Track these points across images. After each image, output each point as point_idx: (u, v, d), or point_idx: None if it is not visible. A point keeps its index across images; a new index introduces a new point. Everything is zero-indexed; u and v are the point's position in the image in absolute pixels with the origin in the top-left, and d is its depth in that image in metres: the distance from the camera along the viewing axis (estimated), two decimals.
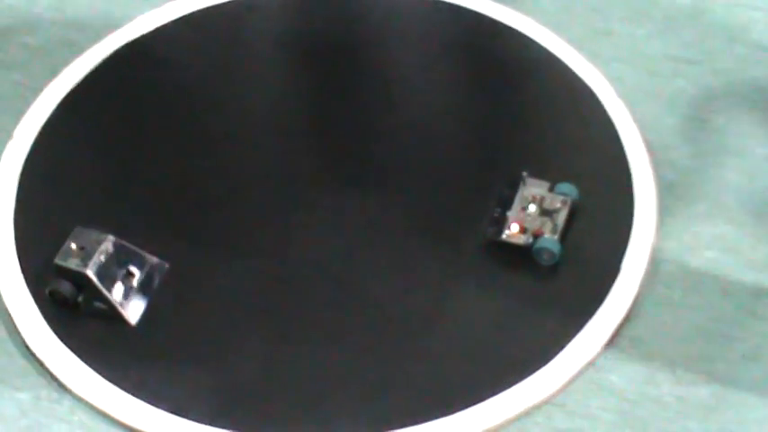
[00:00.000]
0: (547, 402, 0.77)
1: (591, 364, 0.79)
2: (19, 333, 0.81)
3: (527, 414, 0.77)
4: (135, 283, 0.81)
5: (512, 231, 0.83)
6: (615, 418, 0.76)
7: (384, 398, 0.77)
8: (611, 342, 0.80)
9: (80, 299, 0.80)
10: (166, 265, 0.83)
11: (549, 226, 0.83)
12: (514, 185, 0.85)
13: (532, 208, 0.84)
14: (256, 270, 0.84)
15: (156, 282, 0.83)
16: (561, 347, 0.79)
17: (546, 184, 0.85)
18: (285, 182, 0.89)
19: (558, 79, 0.95)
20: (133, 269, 0.82)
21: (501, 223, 0.84)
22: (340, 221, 0.86)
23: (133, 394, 0.77)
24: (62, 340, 0.80)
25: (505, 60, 0.96)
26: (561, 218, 0.83)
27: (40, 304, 0.82)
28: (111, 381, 0.78)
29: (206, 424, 0.76)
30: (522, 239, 0.83)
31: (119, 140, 0.92)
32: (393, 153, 0.90)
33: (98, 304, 0.80)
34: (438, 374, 0.78)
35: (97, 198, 0.88)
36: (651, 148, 0.90)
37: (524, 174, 0.85)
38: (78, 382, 0.78)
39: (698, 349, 0.79)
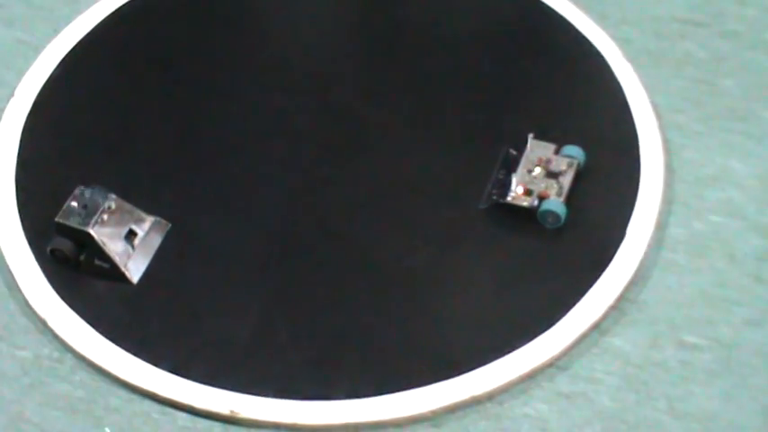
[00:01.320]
0: (551, 366, 0.77)
1: (595, 327, 0.78)
2: (20, 291, 0.81)
3: (531, 377, 0.76)
4: (137, 241, 0.81)
5: (517, 193, 0.82)
6: (619, 381, 0.76)
7: (386, 360, 0.77)
8: (616, 306, 0.79)
9: (81, 257, 0.80)
10: (168, 225, 0.83)
11: (554, 188, 0.82)
12: (520, 148, 0.84)
13: (538, 170, 0.83)
14: (258, 229, 0.83)
15: (158, 241, 0.82)
16: (566, 311, 0.78)
17: (552, 147, 0.85)
18: (287, 140, 0.88)
19: (566, 41, 0.94)
20: (135, 228, 0.81)
21: (506, 185, 0.83)
22: (343, 181, 0.86)
23: (134, 353, 0.77)
24: (63, 299, 0.80)
25: (513, 22, 0.95)
26: (567, 180, 0.83)
27: (41, 263, 0.81)
28: (112, 340, 0.78)
29: (206, 383, 0.75)
30: (527, 201, 0.82)
31: (120, 99, 0.91)
32: (398, 114, 0.90)
33: (99, 263, 0.80)
34: (441, 337, 0.78)
35: (99, 156, 0.88)
36: (658, 111, 0.89)
37: (530, 136, 0.85)
38: (79, 341, 0.78)
39: (702, 314, 0.79)
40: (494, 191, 0.83)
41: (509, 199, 0.83)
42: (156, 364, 0.77)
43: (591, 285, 0.79)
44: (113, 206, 0.80)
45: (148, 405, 0.76)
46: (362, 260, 0.82)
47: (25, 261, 0.82)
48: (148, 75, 0.93)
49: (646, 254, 0.81)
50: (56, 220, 0.79)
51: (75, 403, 0.76)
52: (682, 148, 0.88)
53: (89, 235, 0.79)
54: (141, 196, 0.83)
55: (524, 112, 0.89)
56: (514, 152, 0.84)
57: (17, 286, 0.81)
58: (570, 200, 0.82)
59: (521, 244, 0.82)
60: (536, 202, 0.82)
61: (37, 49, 0.95)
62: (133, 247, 0.81)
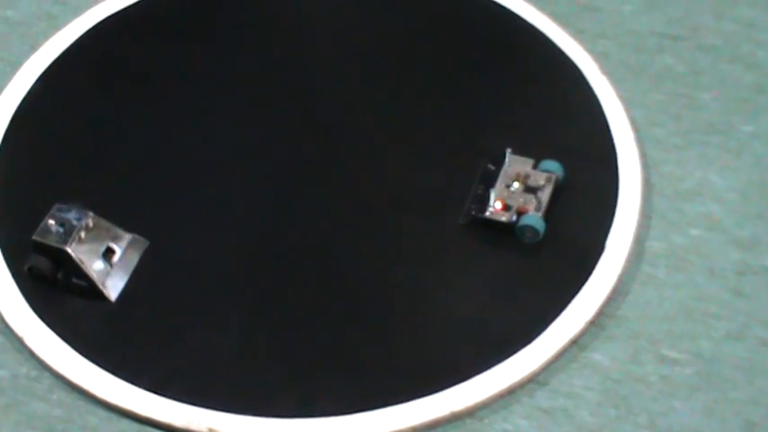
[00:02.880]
0: (530, 381, 0.77)
1: (575, 342, 0.78)
2: None
3: (510, 392, 0.76)
4: (115, 259, 0.81)
5: (495, 208, 0.82)
6: (599, 397, 0.76)
7: (366, 376, 0.77)
8: (595, 321, 0.79)
9: (59, 275, 0.80)
10: (146, 242, 0.83)
11: (533, 203, 0.82)
12: (498, 162, 0.84)
13: (516, 185, 0.83)
14: (237, 246, 0.83)
15: (136, 258, 0.82)
16: (545, 326, 0.78)
17: (530, 162, 0.84)
18: (266, 157, 0.88)
19: (543, 56, 0.94)
20: (113, 245, 0.81)
21: (484, 200, 0.83)
22: (322, 198, 0.86)
23: (112, 372, 0.77)
24: (41, 317, 0.79)
25: (490, 36, 0.95)
26: (545, 195, 0.83)
27: (18, 281, 0.81)
28: (89, 358, 0.77)
29: (185, 401, 0.75)
30: (505, 217, 0.82)
31: (98, 115, 0.91)
32: (377, 130, 0.90)
33: (77, 281, 0.79)
34: (421, 353, 0.78)
35: (77, 173, 0.87)
36: (636, 125, 0.89)
37: (508, 151, 0.85)
38: (57, 360, 0.77)
39: (682, 328, 0.79)
40: (472, 206, 0.83)
41: (487, 214, 0.82)
42: (134, 383, 0.76)
43: (570, 300, 0.79)
44: (91, 224, 0.80)
45: (126, 424, 0.75)
46: (342, 276, 0.81)
47: (2, 279, 0.81)
48: (127, 91, 0.93)
49: (625, 268, 0.81)
50: (33, 238, 0.79)
51: (53, 423, 0.76)
52: (660, 162, 0.88)
53: (66, 253, 0.78)
54: (119, 213, 0.83)
55: (502, 126, 0.89)
56: (493, 167, 0.84)
57: None
58: (549, 215, 0.82)
59: (500, 259, 0.82)
60: (514, 218, 0.82)
61: (14, 66, 0.94)
62: (111, 264, 0.80)
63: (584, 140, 0.88)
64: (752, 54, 0.94)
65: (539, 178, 0.83)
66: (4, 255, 0.82)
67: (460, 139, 0.89)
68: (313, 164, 0.88)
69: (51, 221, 0.79)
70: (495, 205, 0.82)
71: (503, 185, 0.83)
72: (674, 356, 0.78)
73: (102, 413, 0.76)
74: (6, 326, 0.79)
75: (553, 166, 0.84)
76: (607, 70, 0.92)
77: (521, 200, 0.83)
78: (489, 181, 0.84)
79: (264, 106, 0.91)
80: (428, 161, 0.87)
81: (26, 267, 0.80)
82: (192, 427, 0.74)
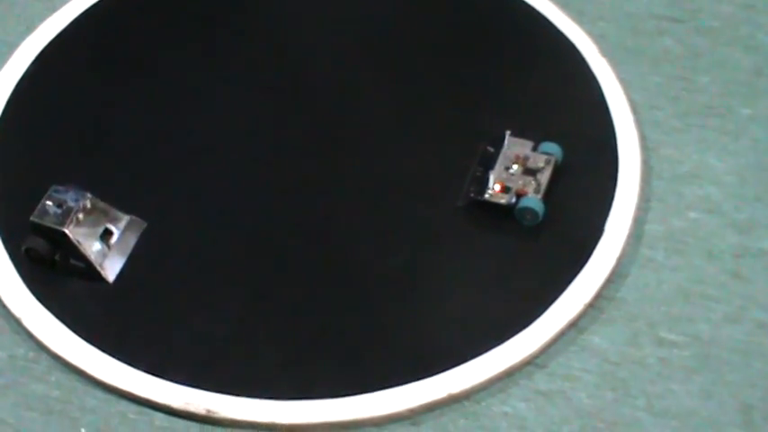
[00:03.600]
0: (528, 364, 0.77)
1: (573, 325, 0.78)
2: None
3: (509, 375, 0.76)
4: (113, 240, 0.80)
5: (494, 190, 0.82)
6: (597, 379, 0.76)
7: (364, 359, 0.77)
8: (594, 304, 0.79)
9: (57, 257, 0.79)
10: (144, 223, 0.82)
11: (532, 186, 0.82)
12: (497, 145, 0.84)
13: (515, 167, 0.83)
14: (235, 228, 0.83)
15: (134, 240, 0.82)
16: (543, 309, 0.78)
17: (529, 144, 0.84)
18: (264, 140, 0.88)
19: (543, 38, 0.94)
20: (111, 227, 0.81)
21: (483, 183, 0.83)
22: (321, 180, 0.85)
23: (110, 353, 0.76)
24: (38, 298, 0.79)
25: (489, 18, 0.95)
26: (545, 177, 0.83)
27: (15, 262, 0.81)
28: (87, 340, 0.77)
29: (183, 383, 0.75)
30: (504, 199, 0.82)
31: (95, 97, 0.91)
32: (375, 113, 0.89)
33: (75, 262, 0.79)
34: (419, 335, 0.78)
35: (74, 155, 0.87)
36: (635, 107, 0.89)
37: (507, 133, 0.84)
38: (55, 341, 0.77)
39: (680, 310, 0.79)
40: (471, 188, 0.83)
41: (486, 196, 0.82)
42: (132, 364, 0.76)
43: (569, 283, 0.79)
44: (89, 205, 0.80)
45: (125, 405, 0.75)
46: (340, 259, 0.81)
47: (0, 261, 0.81)
48: (124, 72, 0.92)
49: (623, 251, 0.81)
50: (31, 219, 0.79)
51: (51, 404, 0.76)
52: (659, 144, 0.87)
53: (64, 234, 0.78)
54: (117, 195, 0.82)
55: (501, 108, 0.89)
56: (492, 149, 0.84)
57: None
58: (548, 197, 0.82)
59: (498, 242, 0.82)
60: (514, 200, 0.82)
61: (11, 47, 0.94)
62: (109, 246, 0.80)
63: (584, 123, 0.88)
64: (751, 36, 0.94)
65: (538, 160, 0.83)
66: (1, 236, 0.82)
67: (459, 121, 0.88)
68: (311, 148, 0.88)
69: (49, 203, 0.79)
70: (493, 187, 0.82)
71: (502, 167, 0.83)
72: (672, 339, 0.78)
73: (101, 394, 0.76)
74: (4, 307, 0.79)
75: (553, 149, 0.84)
76: (606, 52, 0.92)
77: (520, 182, 0.82)
78: (488, 163, 0.84)
79: (262, 90, 0.91)
80: (426, 144, 0.87)
81: (24, 249, 0.80)
82: (191, 408, 0.74)
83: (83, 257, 0.79)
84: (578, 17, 0.94)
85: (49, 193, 0.80)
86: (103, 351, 0.77)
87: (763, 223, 0.83)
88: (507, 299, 0.79)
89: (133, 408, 0.75)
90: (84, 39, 0.95)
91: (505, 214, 0.82)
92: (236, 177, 0.86)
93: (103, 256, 0.80)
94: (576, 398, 0.75)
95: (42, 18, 0.96)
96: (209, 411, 0.74)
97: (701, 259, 0.81)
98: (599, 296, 0.79)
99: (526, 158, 0.83)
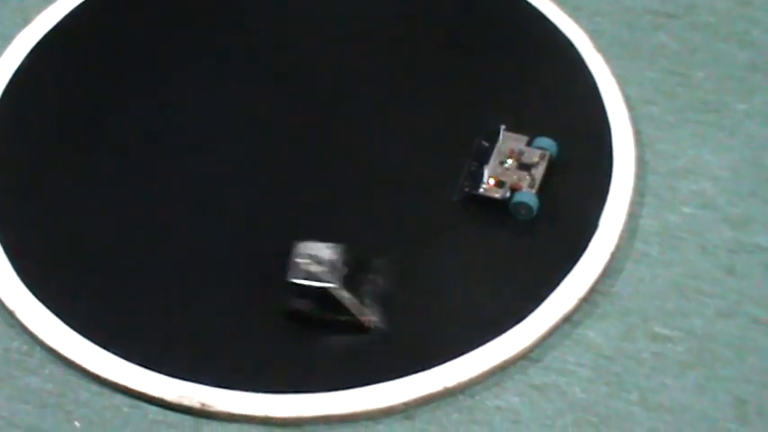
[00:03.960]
0: (522, 358, 0.77)
1: (567, 319, 0.78)
2: None
3: (503, 369, 0.76)
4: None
5: (489, 185, 0.82)
6: (591, 374, 0.76)
7: (358, 353, 0.77)
8: (588, 298, 0.79)
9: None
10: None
11: (526, 180, 0.82)
12: (492, 139, 0.84)
13: (510, 162, 0.83)
14: (229, 222, 0.83)
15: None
16: (538, 303, 0.78)
17: (524, 138, 0.84)
18: (259, 132, 0.88)
19: (538, 33, 0.94)
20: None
21: (478, 177, 0.83)
22: (314, 173, 0.85)
23: (104, 347, 0.76)
24: (32, 292, 0.79)
25: (484, 13, 0.95)
26: (539, 172, 0.83)
27: (9, 255, 0.81)
28: (81, 333, 0.77)
29: (177, 376, 0.75)
30: (499, 193, 0.82)
31: (91, 90, 0.91)
32: (369, 107, 0.89)
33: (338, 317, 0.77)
34: (414, 329, 0.78)
35: (69, 148, 0.87)
36: (630, 102, 0.89)
37: (502, 127, 0.84)
38: (49, 334, 0.77)
39: (675, 305, 0.79)
40: (465, 183, 0.83)
41: (481, 191, 0.82)
42: (126, 358, 0.76)
43: (563, 277, 0.79)
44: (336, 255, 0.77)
45: (119, 399, 0.75)
46: None
47: None
48: (120, 65, 0.92)
49: (618, 246, 0.81)
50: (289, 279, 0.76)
51: (45, 397, 0.76)
52: (654, 139, 0.87)
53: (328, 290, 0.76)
54: (112, 187, 0.82)
55: (497, 103, 0.89)
56: (486, 144, 0.84)
57: None
58: (542, 191, 0.82)
59: (493, 237, 0.82)
60: (508, 194, 0.82)
61: (6, 39, 0.94)
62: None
63: (579, 118, 0.88)
64: (746, 32, 0.94)
65: (533, 155, 0.83)
66: None
67: (455, 116, 0.88)
68: (305, 141, 0.87)
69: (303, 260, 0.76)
70: (488, 182, 0.82)
71: (496, 162, 0.83)
72: (667, 334, 0.78)
73: (95, 388, 0.76)
74: None
75: (547, 143, 0.84)
76: (602, 48, 0.92)
77: (514, 177, 0.82)
78: (483, 158, 0.84)
79: (255, 84, 0.91)
80: (421, 139, 0.87)
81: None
82: (185, 402, 0.74)
83: (345, 310, 0.77)
84: (574, 13, 0.94)
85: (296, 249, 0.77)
86: (97, 344, 0.76)
87: (758, 219, 0.83)
88: (502, 293, 0.79)
89: (127, 401, 0.75)
90: (81, 31, 0.95)
91: (500, 209, 0.82)
92: (231, 170, 0.86)
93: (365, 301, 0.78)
94: (569, 392, 0.75)
95: (39, 10, 0.95)
96: (203, 405, 0.74)
97: (695, 254, 0.81)
98: (593, 291, 0.79)
99: (521, 153, 0.83)
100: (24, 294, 0.79)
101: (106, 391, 0.76)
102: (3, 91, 0.90)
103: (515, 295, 0.79)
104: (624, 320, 0.78)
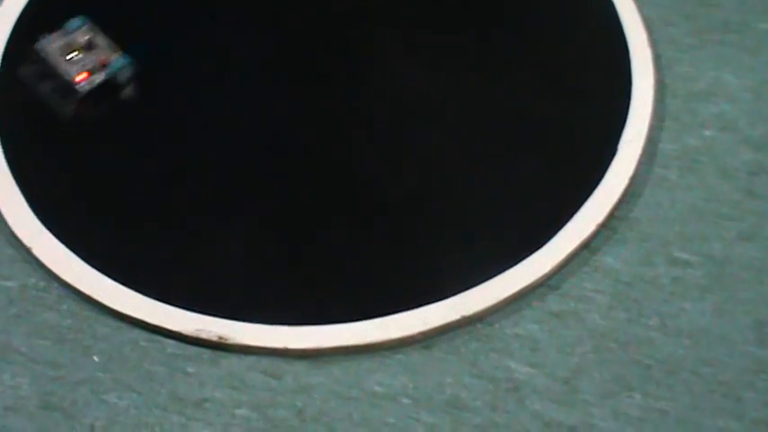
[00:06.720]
0: (541, 285, 0.76)
1: (586, 246, 0.78)
2: (5, 221, 0.80)
3: (521, 297, 0.76)
4: None
5: (82, 78, 0.83)
6: (610, 300, 0.76)
7: (376, 282, 0.77)
8: (607, 224, 0.78)
9: None
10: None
11: (103, 55, 0.84)
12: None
13: (76, 54, 0.84)
14: (245, 154, 0.83)
15: None
16: (556, 230, 0.78)
17: (61, 33, 0.85)
18: (271, 70, 0.87)
19: None
20: None
21: (66, 84, 0.84)
22: (329, 107, 0.85)
23: (121, 281, 0.76)
24: (48, 228, 0.79)
25: None
26: (101, 42, 0.85)
27: (26, 193, 0.81)
28: (98, 268, 0.77)
29: (194, 310, 0.75)
30: (97, 80, 0.83)
31: (104, 28, 0.90)
32: (383, 39, 0.89)
33: None
34: (432, 259, 0.77)
35: None
36: (649, 24, 0.88)
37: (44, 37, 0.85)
38: (66, 270, 0.77)
39: (694, 230, 0.78)
40: (71, 90, 0.84)
41: (83, 87, 0.83)
42: (143, 292, 0.76)
43: (581, 204, 0.79)
44: None
45: (137, 333, 0.76)
46: (352, 185, 0.81)
47: (9, 191, 0.81)
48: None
49: (637, 170, 0.80)
50: None
51: (63, 332, 0.76)
52: (674, 62, 0.86)
53: None
54: (124, 124, 0.82)
55: (513, 29, 0.88)
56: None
57: (1, 216, 0.80)
58: (560, 117, 0.81)
59: (510, 163, 0.81)
60: (104, 75, 0.84)
61: None
62: None
63: (597, 41, 0.87)
64: None
65: (78, 36, 0.85)
66: (9, 167, 0.82)
67: (467, 44, 0.87)
68: (320, 74, 0.87)
69: None
70: (77, 77, 0.84)
71: (64, 62, 0.84)
72: (686, 258, 0.77)
73: (113, 323, 0.76)
74: (14, 236, 0.79)
75: (76, 23, 0.85)
76: None
77: (92, 58, 0.84)
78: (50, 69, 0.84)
79: (280, 22, 0.90)
80: (432, 64, 0.86)
81: None
82: (202, 335, 0.74)
83: None
84: None
85: None
86: (114, 279, 0.77)
87: None
88: (519, 220, 0.79)
89: (145, 335, 0.75)
90: None
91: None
92: (247, 105, 0.85)
93: None
94: (588, 319, 0.75)
95: None
96: (220, 338, 0.74)
97: (714, 177, 0.80)
98: (612, 216, 0.79)
99: (73, 41, 0.85)
100: (41, 230, 0.79)
101: (124, 326, 0.76)
102: (10, 32, 0.90)
103: (533, 222, 0.78)
104: (643, 246, 0.78)
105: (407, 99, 0.85)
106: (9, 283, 0.78)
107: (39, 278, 0.78)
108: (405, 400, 0.72)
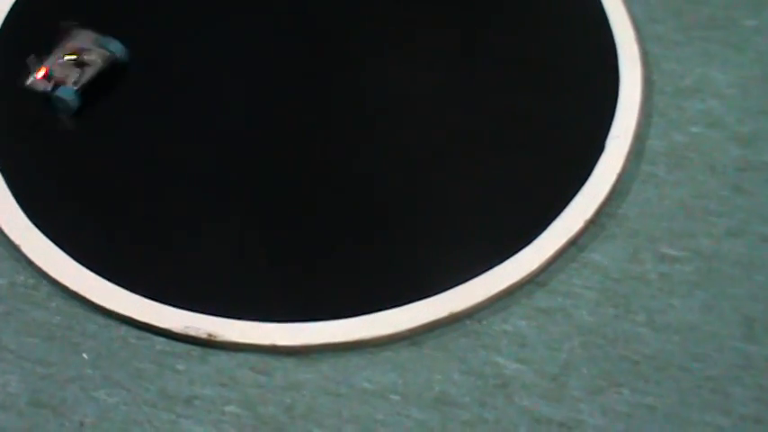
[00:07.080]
0: (529, 281, 0.76)
1: (573, 242, 0.78)
2: None
3: (509, 293, 0.76)
4: None
5: (36, 78, 0.83)
6: (598, 296, 0.76)
7: (365, 279, 0.77)
8: (595, 220, 0.79)
9: None
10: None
11: (74, 76, 0.83)
12: (64, 36, 0.85)
13: (68, 58, 0.84)
14: (235, 152, 0.83)
15: None
16: (544, 226, 0.78)
17: (95, 37, 0.85)
18: (266, 62, 0.87)
19: None
20: None
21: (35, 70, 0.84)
22: (317, 104, 0.85)
23: (110, 279, 0.76)
24: (37, 225, 0.79)
25: None
26: (92, 71, 0.84)
27: (14, 190, 0.81)
28: (87, 266, 0.77)
29: (183, 307, 0.75)
30: (42, 86, 0.83)
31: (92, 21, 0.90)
32: (374, 36, 0.89)
33: None
34: (420, 256, 0.78)
35: None
36: (636, 21, 0.88)
37: (74, 24, 0.85)
38: (54, 267, 0.77)
39: (682, 226, 0.78)
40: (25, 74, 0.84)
41: (27, 82, 0.83)
42: (132, 290, 0.76)
43: (569, 200, 0.79)
44: None
45: (126, 330, 0.76)
46: (340, 181, 0.81)
47: None
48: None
49: (624, 167, 0.80)
50: None
51: (53, 330, 0.76)
52: (661, 59, 0.86)
53: None
54: (111, 122, 0.82)
55: (500, 25, 0.88)
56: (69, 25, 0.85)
57: None
58: (548, 114, 0.81)
59: (499, 160, 0.81)
60: (50, 88, 0.83)
61: None
62: None
63: (585, 39, 0.87)
64: None
65: (92, 54, 0.84)
66: None
67: (462, 40, 0.87)
68: (312, 69, 0.87)
69: None
70: (36, 75, 0.83)
71: (56, 57, 0.84)
72: (674, 254, 0.77)
73: (102, 320, 0.76)
74: (3, 233, 0.79)
75: (116, 47, 0.85)
76: None
77: (65, 72, 0.83)
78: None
79: (273, 15, 0.90)
80: (419, 62, 0.86)
81: None
82: (191, 332, 0.75)
83: None
84: None
85: None
86: (103, 277, 0.77)
87: (766, 136, 0.82)
88: (508, 217, 0.79)
89: (134, 333, 0.75)
90: None
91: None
92: (237, 100, 0.85)
93: None
94: (576, 315, 0.75)
95: None
96: (210, 335, 0.74)
97: (702, 174, 0.81)
98: (600, 213, 0.79)
99: (83, 51, 0.84)
100: (29, 228, 0.79)
101: (113, 323, 0.76)
102: (3, 21, 0.90)
103: (521, 219, 0.78)
104: (631, 242, 0.78)
105: (393, 97, 0.85)
106: None
107: (27, 276, 0.78)
108: (394, 397, 0.73)
